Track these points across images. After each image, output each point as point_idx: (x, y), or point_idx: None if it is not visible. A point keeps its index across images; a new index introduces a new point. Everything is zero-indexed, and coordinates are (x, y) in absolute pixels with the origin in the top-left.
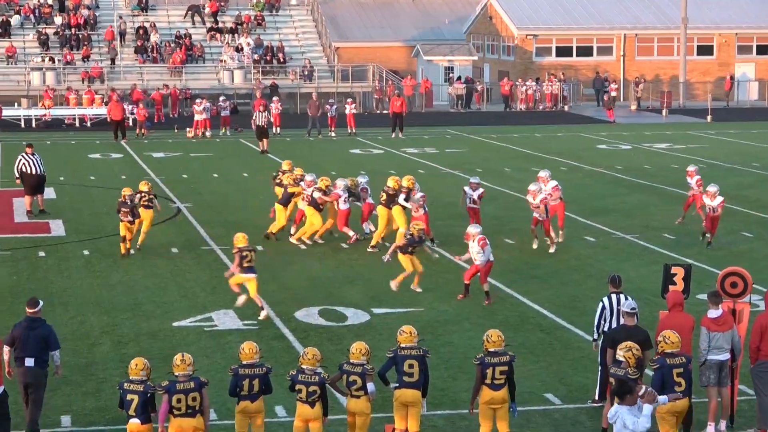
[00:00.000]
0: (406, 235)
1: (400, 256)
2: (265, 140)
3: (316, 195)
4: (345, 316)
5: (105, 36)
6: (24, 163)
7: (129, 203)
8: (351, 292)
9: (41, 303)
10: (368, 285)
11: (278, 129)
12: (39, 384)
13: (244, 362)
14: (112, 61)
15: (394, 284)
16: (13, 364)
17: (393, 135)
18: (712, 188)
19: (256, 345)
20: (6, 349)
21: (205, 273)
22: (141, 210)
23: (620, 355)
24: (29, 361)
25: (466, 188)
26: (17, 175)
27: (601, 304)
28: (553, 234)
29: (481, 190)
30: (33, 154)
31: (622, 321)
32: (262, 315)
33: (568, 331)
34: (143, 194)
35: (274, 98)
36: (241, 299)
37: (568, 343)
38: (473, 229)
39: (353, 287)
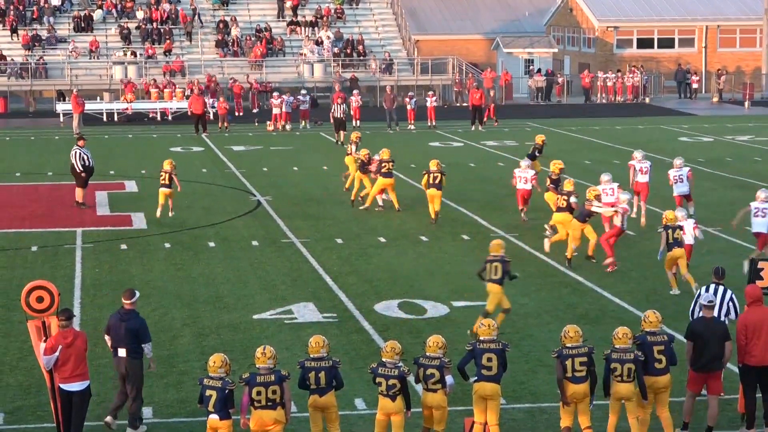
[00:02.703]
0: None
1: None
2: (342, 132)
3: (572, 200)
4: (424, 309)
5: (180, 19)
6: (77, 156)
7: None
8: (431, 285)
9: (137, 294)
10: (448, 278)
11: (358, 122)
12: (133, 375)
13: (311, 355)
14: (188, 35)
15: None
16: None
17: (472, 128)
18: None
19: (324, 339)
20: (106, 337)
21: (285, 266)
22: None
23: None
24: (121, 352)
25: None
26: (80, 168)
27: (698, 293)
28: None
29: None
30: (83, 147)
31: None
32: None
33: None
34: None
35: (354, 91)
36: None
37: None
38: (681, 212)
39: (433, 280)
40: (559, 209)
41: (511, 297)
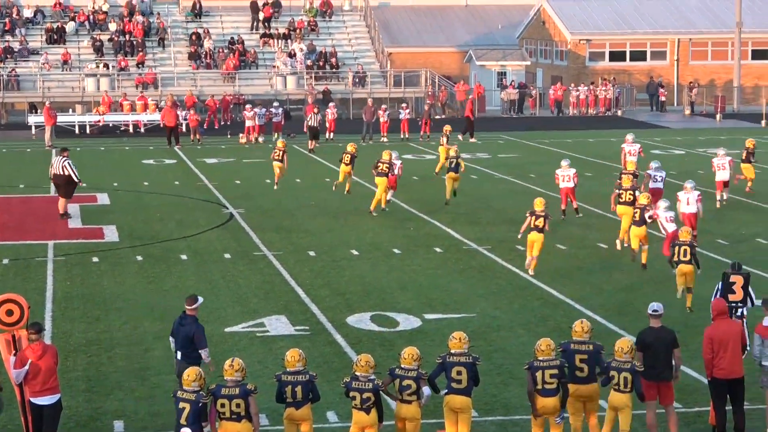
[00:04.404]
0: None
1: None
2: (315, 141)
3: (647, 215)
4: (397, 322)
5: (135, 33)
6: (71, 166)
7: None
8: (403, 297)
9: (199, 301)
10: (420, 290)
11: (332, 134)
12: None
13: (288, 369)
14: (161, 41)
15: None
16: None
17: (473, 139)
18: None
19: (300, 352)
20: (171, 339)
21: (257, 278)
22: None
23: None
24: (179, 355)
25: None
26: (77, 179)
27: (719, 283)
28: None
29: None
30: (66, 158)
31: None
32: None
33: (620, 337)
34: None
35: (330, 104)
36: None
37: None
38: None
39: (405, 293)
40: (635, 223)
41: (483, 309)
